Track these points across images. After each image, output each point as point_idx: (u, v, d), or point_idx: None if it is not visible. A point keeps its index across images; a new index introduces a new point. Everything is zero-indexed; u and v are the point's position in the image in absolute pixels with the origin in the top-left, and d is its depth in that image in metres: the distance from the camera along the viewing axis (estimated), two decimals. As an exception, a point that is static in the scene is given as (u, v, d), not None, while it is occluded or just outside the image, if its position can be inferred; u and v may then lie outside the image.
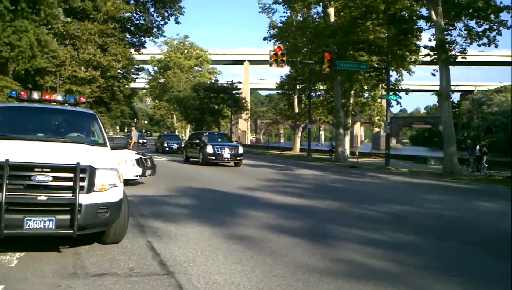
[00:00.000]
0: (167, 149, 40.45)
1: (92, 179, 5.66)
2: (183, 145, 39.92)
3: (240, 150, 24.97)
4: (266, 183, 16.36)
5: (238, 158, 24.74)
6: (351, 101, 43.22)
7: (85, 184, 5.58)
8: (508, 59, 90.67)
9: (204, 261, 5.78)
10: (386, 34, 33.09)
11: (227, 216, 9.16)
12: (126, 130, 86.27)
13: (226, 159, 24.46)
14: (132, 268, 5.36)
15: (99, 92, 40.84)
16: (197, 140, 27.11)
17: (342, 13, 36.80)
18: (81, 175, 5.54)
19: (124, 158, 12.61)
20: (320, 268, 5.68)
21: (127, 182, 11.25)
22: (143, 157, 13.92)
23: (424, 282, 5.34)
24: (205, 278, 5.08)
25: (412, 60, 37.64)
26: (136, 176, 13.32)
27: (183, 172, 20.79)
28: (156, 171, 14.72)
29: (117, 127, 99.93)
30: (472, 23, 27.04)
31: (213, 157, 24.16)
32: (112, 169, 6.00)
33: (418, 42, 33.63)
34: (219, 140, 27.35)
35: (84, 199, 5.50)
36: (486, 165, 28.84)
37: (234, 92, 61.46)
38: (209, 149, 24.27)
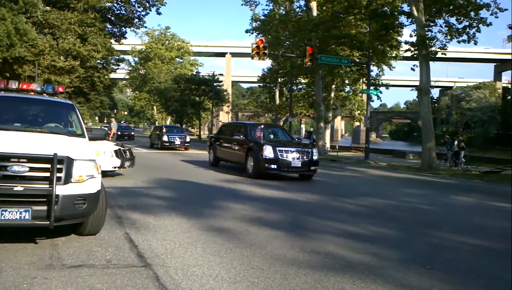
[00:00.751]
0: (166, 144, 32.38)
1: (69, 170, 5.60)
2: (187, 140, 33.57)
3: (315, 155, 16.06)
4: (246, 175, 16.34)
5: (312, 168, 16.02)
6: (332, 95, 43.44)
7: (62, 175, 5.53)
8: (487, 56, 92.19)
9: (182, 253, 5.77)
10: (368, 29, 33.30)
11: (206, 208, 9.15)
12: (105, 121, 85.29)
13: (294, 170, 15.82)
14: (110, 260, 5.33)
15: (78, 82, 40.28)
16: (239, 136, 17.47)
17: (324, 7, 36.88)
18: (58, 166, 5.48)
19: (103, 149, 12.50)
20: (299, 261, 5.72)
21: (105, 174, 11.18)
22: (122, 148, 13.81)
23: (401, 275, 5.40)
24: (183, 270, 5.08)
25: (393, 55, 37.93)
26: (115, 167, 13.20)
27: (162, 163, 20.63)
28: (135, 162, 14.60)
29: (96, 118, 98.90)
30: (453, 20, 27.40)
31: (274, 166, 15.25)
32: (90, 160, 5.95)
33: (399, 38, 33.93)
34: (271, 136, 18.02)
35: (61, 190, 5.44)
36: (463, 160, 29.32)
37: (215, 84, 61.25)
38: (268, 152, 15.23)
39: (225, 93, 66.39)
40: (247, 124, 18.91)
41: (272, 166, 15.25)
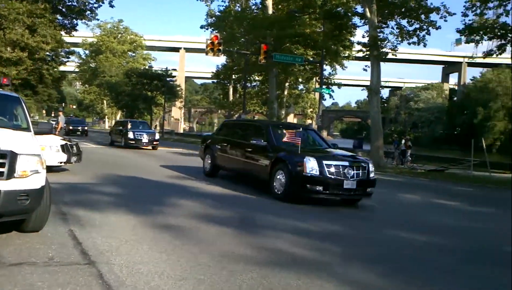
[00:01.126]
0: (132, 142, 27.99)
1: (12, 165, 5.41)
2: (156, 138, 29.20)
3: (372, 171, 11.12)
4: (197, 172, 16.24)
5: (368, 190, 11.02)
6: (286, 93, 43.87)
7: (5, 170, 5.34)
8: (436, 58, 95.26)
9: (128, 251, 5.68)
10: (322, 29, 33.75)
11: (154, 205, 9.03)
12: (53, 115, 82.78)
13: (346, 193, 10.78)
14: (52, 257, 5.18)
15: (25, 74, 38.94)
16: (259, 141, 12.29)
17: (280, 6, 37.16)
18: (1, 161, 5.30)
19: (49, 144, 12.16)
20: (246, 257, 5.75)
21: (51, 169, 10.90)
22: (69, 143, 13.46)
23: (345, 271, 5.54)
24: (128, 268, 5.00)
25: (346, 55, 38.60)
26: (61, 162, 12.84)
27: (110, 158, 20.24)
28: (82, 157, 14.25)
29: (44, 111, 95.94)
30: (404, 22, 28.25)
31: (320, 187, 10.37)
32: (34, 155, 5.78)
33: (352, 38, 34.61)
34: (291, 143, 11.79)
35: (3, 185, 5.25)
36: (410, 159, 30.22)
37: (168, 79, 60.59)
38: (311, 167, 10.38)
39: (178, 88, 65.80)
40: (268, 124, 14.00)
41: (317, 187, 10.37)
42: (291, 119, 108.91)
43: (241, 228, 7.44)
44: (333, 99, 78.04)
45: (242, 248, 6.20)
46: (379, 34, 27.88)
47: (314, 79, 43.48)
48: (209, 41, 28.21)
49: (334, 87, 45.05)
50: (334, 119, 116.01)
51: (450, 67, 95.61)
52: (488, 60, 34.74)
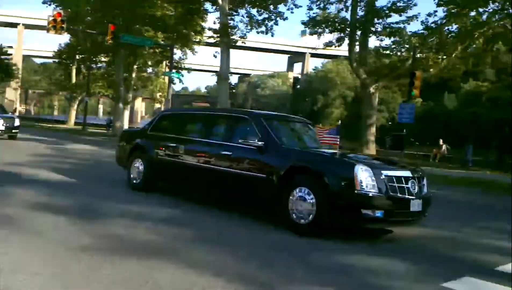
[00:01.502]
0: None
1: None
2: (16, 124, 22.69)
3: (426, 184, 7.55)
4: (32, 158, 14.87)
5: (425, 213, 7.47)
6: (134, 75, 42.73)
7: None
8: (282, 48, 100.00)
9: None
10: (174, 12, 33.41)
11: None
12: None
13: (410, 218, 7.18)
14: None
15: None
16: (248, 139, 7.69)
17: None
18: None
19: None
20: (82, 245, 5.39)
21: None
22: None
23: (189, 251, 5.55)
24: None
25: (197, 40, 38.75)
26: None
27: None
28: None
29: None
30: (254, 11, 29.25)
31: (379, 212, 6.58)
32: None
33: (203, 24, 34.85)
34: (285, 139, 8.16)
35: None
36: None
37: (3, 57, 55.75)
38: (365, 179, 6.51)
39: (14, 67, 60.82)
40: (257, 114, 8.79)
41: (377, 213, 6.57)
42: (139, 102, 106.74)
43: (78, 216, 6.95)
44: (183, 83, 77.74)
45: (78, 236, 5.81)
46: (229, 22, 28.47)
47: (164, 62, 42.99)
48: (51, 18, 26.45)
49: (184, 72, 45.02)
50: (183, 103, 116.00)
51: (295, 56, 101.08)
52: (329, 51, 37.38)
